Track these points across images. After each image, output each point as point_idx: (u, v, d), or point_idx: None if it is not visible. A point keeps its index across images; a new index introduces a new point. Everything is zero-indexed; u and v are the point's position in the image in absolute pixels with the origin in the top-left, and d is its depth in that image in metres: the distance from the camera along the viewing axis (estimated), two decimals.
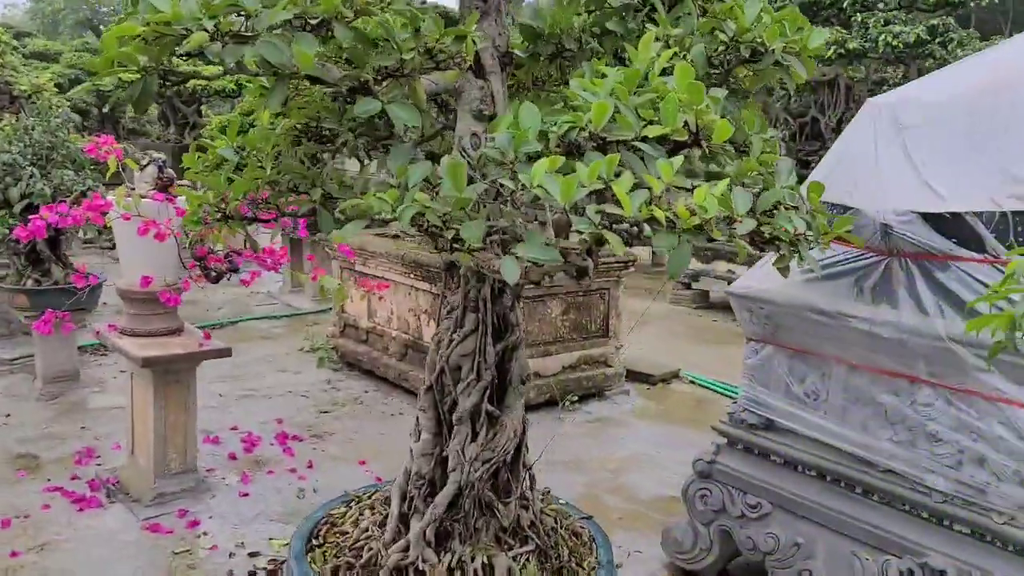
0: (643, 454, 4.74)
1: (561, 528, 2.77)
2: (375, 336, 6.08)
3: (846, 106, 9.70)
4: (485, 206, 1.83)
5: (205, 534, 3.68)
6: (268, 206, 2.53)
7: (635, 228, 1.74)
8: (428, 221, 1.70)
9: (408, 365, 5.70)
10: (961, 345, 2.60)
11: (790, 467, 3.16)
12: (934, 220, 2.72)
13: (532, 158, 1.82)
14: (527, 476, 2.71)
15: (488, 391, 2.57)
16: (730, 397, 5.86)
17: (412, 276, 5.52)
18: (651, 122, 1.82)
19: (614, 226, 1.70)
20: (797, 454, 3.13)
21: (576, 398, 5.46)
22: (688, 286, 8.80)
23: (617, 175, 1.72)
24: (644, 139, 1.80)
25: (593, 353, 5.63)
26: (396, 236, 5.84)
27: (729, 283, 9.06)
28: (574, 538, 2.78)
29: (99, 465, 4.40)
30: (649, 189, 1.65)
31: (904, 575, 2.75)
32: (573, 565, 2.64)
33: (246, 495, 4.08)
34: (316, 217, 2.54)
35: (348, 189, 2.53)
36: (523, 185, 1.70)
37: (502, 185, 1.87)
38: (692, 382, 6.15)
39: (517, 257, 1.69)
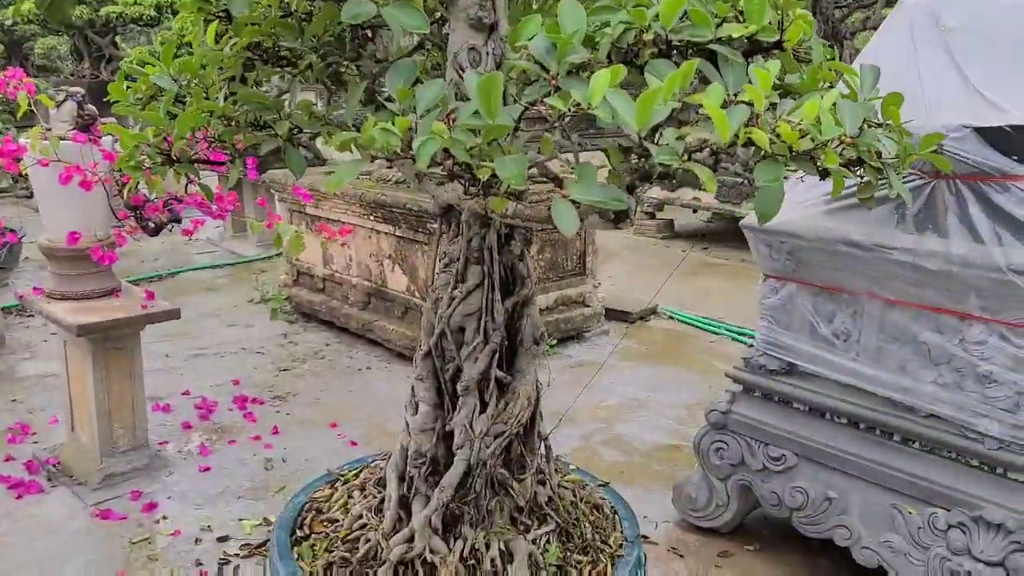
0: (633, 399, 4.46)
1: (581, 502, 2.46)
2: (333, 284, 5.64)
3: (813, 18, 9.37)
4: (516, 136, 1.44)
5: (164, 518, 3.29)
6: (222, 145, 2.08)
7: (713, 158, 1.36)
8: (455, 158, 1.29)
9: (372, 314, 5.28)
10: (1023, 275, 2.32)
11: (816, 415, 2.89)
12: (989, 135, 2.40)
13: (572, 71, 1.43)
14: (543, 447, 2.38)
15: (497, 355, 2.21)
16: (711, 332, 5.62)
17: (372, 218, 5.07)
18: (724, 20, 1.43)
19: (693, 156, 1.32)
20: (825, 400, 2.85)
21: (555, 342, 5.14)
22: (652, 216, 8.48)
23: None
24: (718, 41, 1.41)
25: (570, 293, 5.29)
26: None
27: (695, 211, 8.83)
28: (596, 512, 2.47)
29: (36, 443, 3.94)
30: (749, 104, 1.27)
31: (955, 529, 2.52)
32: (598, 542, 2.34)
33: (207, 469, 3.68)
34: (282, 156, 2.11)
35: (319, 121, 2.09)
36: (574, 105, 1.31)
37: (529, 107, 1.48)
38: (671, 317, 5.88)
39: (572, 201, 1.30)
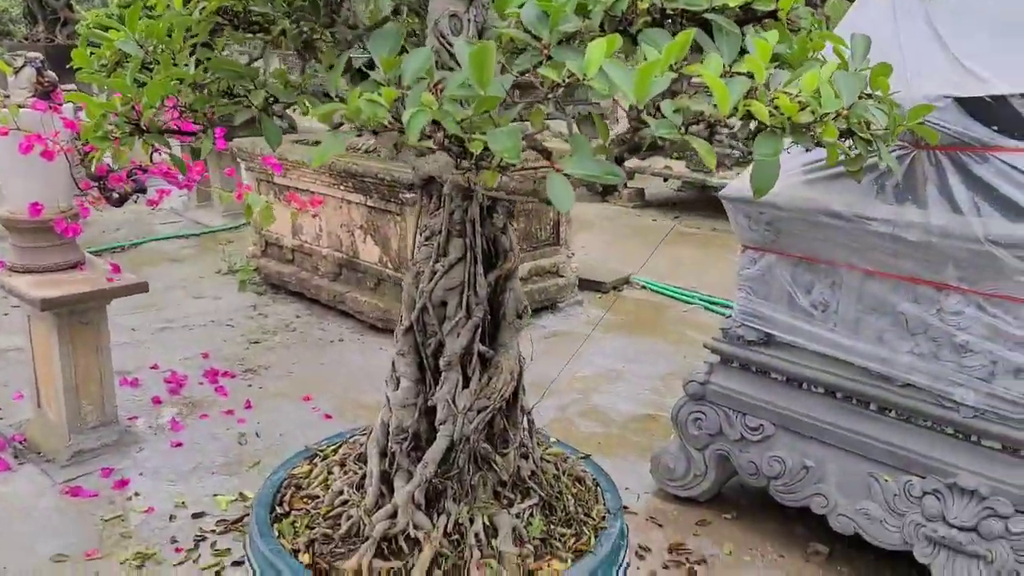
0: (609, 370, 4.46)
1: (563, 475, 2.45)
2: (302, 255, 5.55)
3: None
4: (508, 107, 1.39)
5: (137, 495, 3.23)
6: (194, 114, 2.01)
7: (708, 131, 1.34)
8: (446, 132, 1.25)
9: (343, 286, 5.22)
10: (1001, 246, 2.33)
11: (794, 385, 2.91)
12: (969, 106, 2.40)
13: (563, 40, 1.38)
14: (526, 421, 2.36)
15: (479, 329, 2.18)
16: (684, 302, 5.64)
17: (343, 188, 4.98)
18: None
19: (690, 128, 1.29)
20: (802, 371, 2.87)
21: (529, 313, 5.11)
22: (624, 184, 8.46)
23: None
24: (713, 10, 1.38)
25: (544, 263, 5.27)
26: (318, 143, 5.25)
27: (666, 180, 8.82)
28: (578, 484, 2.46)
29: (1, 420, 3.85)
30: (749, 76, 1.24)
31: (930, 496, 2.55)
32: (581, 515, 2.33)
33: (179, 445, 3.62)
34: (256, 126, 2.04)
35: (295, 90, 2.02)
36: (569, 75, 1.27)
37: (520, 77, 1.44)
38: (644, 287, 5.88)
39: (566, 175, 1.26)
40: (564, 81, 1.27)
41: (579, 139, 1.31)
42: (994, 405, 2.46)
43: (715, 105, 1.24)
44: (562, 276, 5.38)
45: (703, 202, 8.18)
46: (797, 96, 1.26)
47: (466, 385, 2.18)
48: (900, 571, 2.79)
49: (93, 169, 3.53)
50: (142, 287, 3.38)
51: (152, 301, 5.33)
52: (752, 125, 1.43)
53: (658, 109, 1.24)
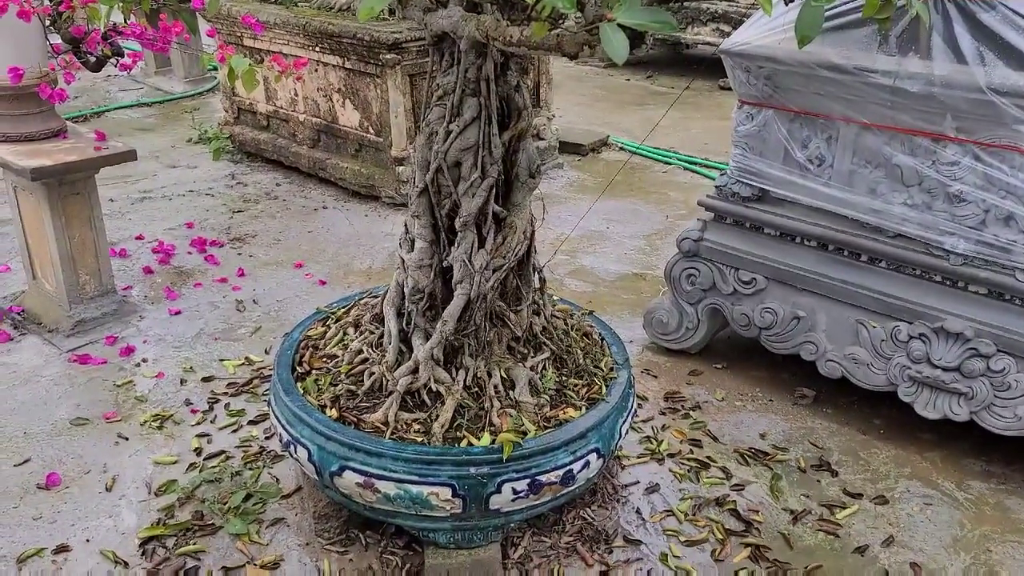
0: (593, 231, 4.52)
1: (572, 330, 2.54)
2: (278, 121, 5.42)
3: None
4: None
5: (144, 361, 3.28)
6: None
7: None
8: None
9: (323, 152, 5.13)
10: (1003, 95, 2.37)
11: (787, 239, 3.00)
12: None
13: None
14: (538, 279, 2.43)
15: (494, 189, 2.20)
16: (663, 162, 5.66)
17: (318, 49, 4.82)
18: None
19: None
20: (795, 224, 2.95)
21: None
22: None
23: None
24: None
25: None
26: (295, 3, 5.03)
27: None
28: (585, 339, 2.56)
29: None
30: None
31: (916, 340, 2.70)
32: (591, 367, 2.44)
33: (178, 313, 3.64)
34: None
35: None
36: None
37: None
38: (622, 148, 5.88)
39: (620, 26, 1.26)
40: None
41: None
42: (983, 252, 2.57)
43: None
44: (542, 139, 5.34)
45: (676, 60, 8.05)
46: None
47: (481, 245, 2.21)
48: (881, 410, 2.98)
49: (67, 30, 3.38)
50: (131, 155, 3.31)
51: (126, 172, 5.22)
52: None
53: None
